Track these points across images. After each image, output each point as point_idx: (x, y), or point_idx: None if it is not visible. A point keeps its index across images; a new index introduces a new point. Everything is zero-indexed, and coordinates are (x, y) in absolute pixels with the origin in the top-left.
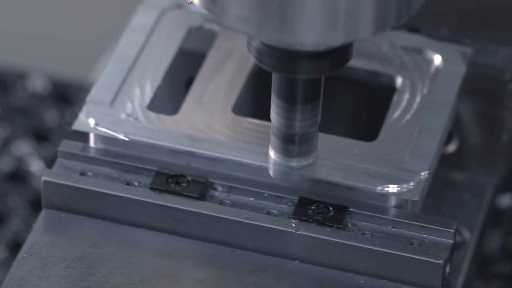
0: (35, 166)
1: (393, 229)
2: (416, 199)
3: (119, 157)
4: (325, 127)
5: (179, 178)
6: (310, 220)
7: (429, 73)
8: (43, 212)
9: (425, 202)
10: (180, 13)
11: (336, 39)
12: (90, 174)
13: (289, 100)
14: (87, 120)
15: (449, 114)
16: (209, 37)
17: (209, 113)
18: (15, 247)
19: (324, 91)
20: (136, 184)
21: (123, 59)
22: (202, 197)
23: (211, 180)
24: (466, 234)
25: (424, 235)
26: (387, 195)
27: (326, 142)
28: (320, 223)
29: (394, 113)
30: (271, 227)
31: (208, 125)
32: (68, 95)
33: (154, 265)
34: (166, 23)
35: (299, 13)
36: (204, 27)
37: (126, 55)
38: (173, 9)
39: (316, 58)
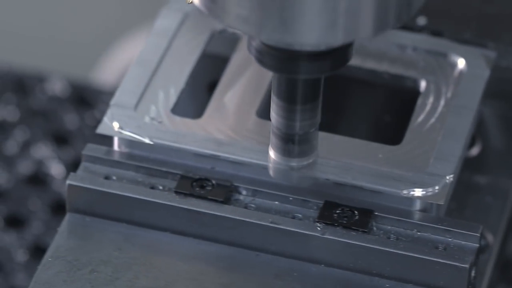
0: (55, 169)
1: (418, 233)
2: (442, 203)
3: (144, 161)
4: (350, 131)
5: (204, 182)
6: (336, 224)
7: (453, 77)
8: (68, 216)
9: (448, 205)
10: (203, 16)
11: (336, 39)
12: (114, 178)
13: (289, 100)
14: (112, 124)
15: (473, 117)
16: (232, 41)
17: (233, 116)
18: (36, 250)
19: (348, 95)
20: (160, 188)
21: (146, 63)
22: (226, 201)
23: (236, 184)
24: (490, 237)
25: (450, 239)
26: (412, 199)
27: (350, 146)
28: (345, 227)
29: (419, 117)
30: (296, 231)
31: (233, 128)
32: (87, 98)
33: (179, 269)
34: (189, 26)
35: (299, 13)
36: (227, 31)
37: (149, 58)
38: (196, 13)
39: (316, 58)
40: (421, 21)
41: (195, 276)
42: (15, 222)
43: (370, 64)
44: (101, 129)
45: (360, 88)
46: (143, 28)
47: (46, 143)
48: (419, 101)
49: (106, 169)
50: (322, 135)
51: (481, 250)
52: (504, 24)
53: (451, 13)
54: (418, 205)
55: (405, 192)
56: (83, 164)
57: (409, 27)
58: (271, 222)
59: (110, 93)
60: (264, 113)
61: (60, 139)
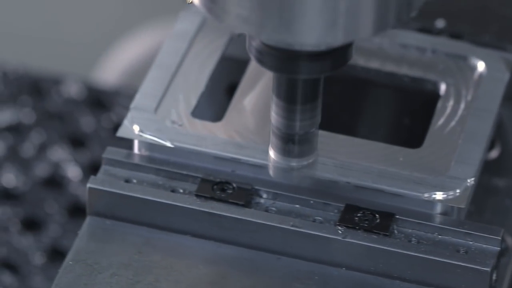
0: (72, 172)
1: (439, 236)
2: (463, 206)
3: (164, 164)
4: (369, 134)
5: (225, 185)
6: (357, 228)
7: (473, 80)
8: (88, 219)
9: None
10: None
11: (337, 39)
12: (134, 181)
13: (289, 100)
14: (132, 127)
15: (493, 120)
16: None
17: (254, 119)
18: (53, 253)
19: (368, 98)
20: (181, 191)
21: (165, 66)
22: (247, 204)
23: (256, 187)
24: (509, 240)
25: (471, 242)
26: (433, 202)
27: (371, 149)
28: (366, 230)
29: (439, 120)
30: (317, 234)
31: (253, 131)
32: (103, 101)
33: (200, 272)
34: (208, 29)
35: (299, 13)
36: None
37: (169, 61)
38: None
39: (317, 58)
40: (440, 23)
41: (216, 280)
42: (32, 225)
43: (389, 67)
44: (121, 133)
45: (379, 91)
46: (143, 28)
47: (63, 146)
48: (439, 104)
49: (127, 172)
50: (342, 138)
51: (501, 253)
52: None
53: (470, 15)
54: (439, 209)
55: (426, 195)
56: (103, 167)
57: (428, 29)
58: (292, 226)
59: (126, 96)
60: None
61: (77, 142)
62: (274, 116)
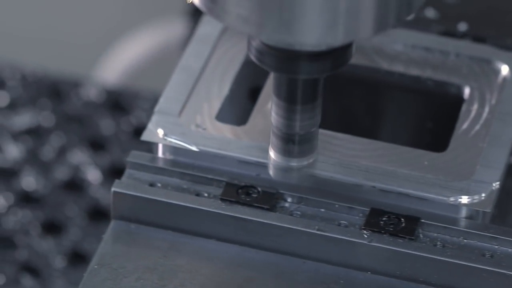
0: (92, 175)
1: (465, 241)
2: (488, 210)
3: (189, 167)
4: (394, 138)
5: (250, 189)
6: (382, 232)
7: (497, 83)
8: (113, 223)
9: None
10: None
11: (337, 39)
12: (159, 185)
13: (289, 100)
14: (156, 131)
15: None
16: None
17: None
18: (74, 256)
19: (392, 101)
20: (205, 195)
21: (189, 70)
22: (272, 208)
23: (281, 191)
24: None
25: (496, 246)
26: (458, 206)
27: (396, 153)
28: (392, 234)
29: (463, 124)
30: (343, 238)
31: None
32: (123, 103)
33: (225, 276)
34: (231, 33)
35: (299, 13)
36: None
37: (192, 65)
38: None
39: (317, 58)
40: (462, 27)
41: (241, 284)
42: (52, 228)
43: (413, 71)
44: (145, 136)
45: (403, 95)
46: (143, 28)
47: (82, 149)
48: (464, 108)
49: (151, 176)
50: (366, 141)
51: None
52: None
53: (493, 19)
54: (464, 213)
55: (452, 199)
56: (128, 171)
57: (451, 33)
58: (318, 230)
59: (146, 98)
60: None
61: (96, 145)
62: (274, 116)
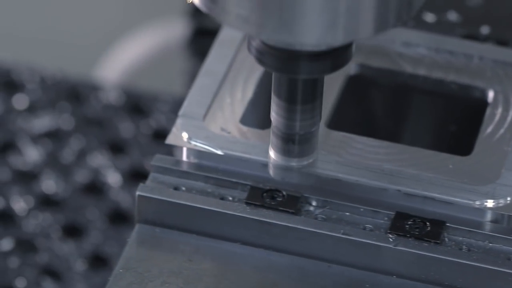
0: (112, 178)
1: (490, 244)
2: None
3: (213, 171)
4: (417, 141)
5: (274, 192)
6: (408, 235)
7: None
8: (137, 227)
9: None
10: None
11: (337, 39)
12: (183, 188)
13: (289, 100)
14: (181, 134)
15: None
16: None
17: None
18: (95, 260)
19: (416, 105)
20: (230, 198)
21: (213, 73)
22: (297, 211)
23: (306, 195)
24: None
25: None
26: (483, 210)
27: (420, 156)
28: (417, 238)
29: (488, 127)
30: (368, 242)
31: None
32: (142, 106)
33: (250, 280)
34: None
35: (299, 13)
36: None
37: (216, 69)
38: None
39: (317, 58)
40: (485, 30)
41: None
42: (73, 231)
43: (437, 74)
44: (170, 140)
45: (427, 98)
46: (143, 28)
47: (102, 152)
48: (488, 111)
49: (175, 180)
50: (391, 145)
51: None
52: None
53: None
54: (489, 216)
55: (477, 203)
56: (152, 175)
57: (473, 36)
58: (343, 233)
59: (165, 101)
60: (333, 123)
61: (116, 148)
62: (274, 116)
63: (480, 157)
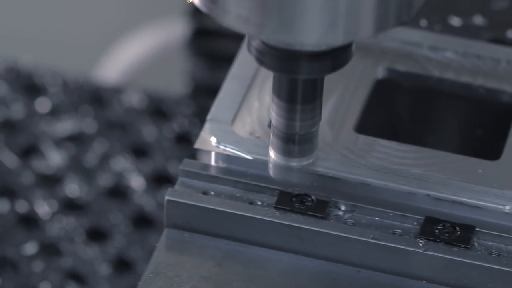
0: (135, 181)
1: None
2: None
3: (242, 176)
4: (445, 146)
5: (303, 197)
6: (437, 240)
7: None
8: (166, 232)
9: None
10: None
11: (337, 39)
12: (212, 193)
13: (289, 100)
14: (209, 139)
15: None
16: None
17: (331, 132)
18: (119, 263)
19: (443, 109)
20: (259, 203)
21: (240, 77)
22: (326, 216)
23: (335, 199)
24: None
25: None
26: None
27: (449, 161)
28: (447, 243)
29: None
30: (398, 247)
31: (330, 144)
32: (164, 110)
33: (280, 285)
34: None
35: (299, 13)
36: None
37: (244, 73)
38: None
39: (317, 58)
40: (511, 33)
41: None
42: (97, 235)
43: (464, 78)
44: (198, 144)
45: (454, 102)
46: (143, 28)
47: (125, 155)
48: None
49: (204, 184)
50: (419, 149)
51: None
52: None
53: None
54: None
55: (507, 208)
56: (180, 179)
57: (500, 40)
58: (373, 238)
59: (188, 105)
60: (361, 128)
61: (139, 151)
62: (275, 116)
63: (509, 161)
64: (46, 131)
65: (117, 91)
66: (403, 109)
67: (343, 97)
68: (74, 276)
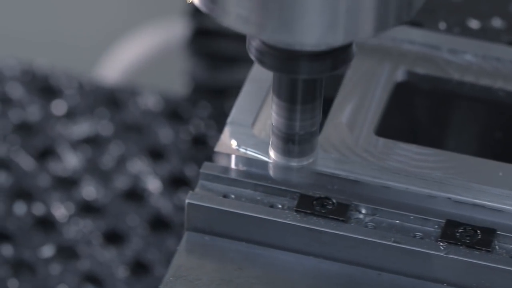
0: (152, 184)
1: None
2: None
3: (262, 179)
4: (466, 149)
5: (324, 200)
6: (458, 243)
7: None
8: (186, 235)
9: None
10: None
11: (337, 39)
12: (232, 196)
13: (289, 100)
14: (230, 142)
15: None
16: None
17: (351, 134)
18: (137, 266)
19: (463, 112)
20: (279, 206)
21: (260, 80)
22: (347, 219)
23: (355, 203)
24: None
25: None
26: None
27: (469, 163)
28: (468, 246)
29: None
30: (419, 250)
31: (350, 147)
32: (181, 112)
33: None
34: None
35: (299, 13)
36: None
37: (262, 76)
38: None
39: (317, 58)
40: None
41: None
42: (114, 238)
43: (484, 81)
44: (219, 148)
45: (474, 105)
46: (143, 28)
47: (141, 158)
48: None
49: (224, 188)
50: (439, 152)
51: None
52: None
53: None
54: None
55: None
56: (201, 182)
57: None
58: (394, 241)
59: (204, 107)
60: (381, 131)
61: (155, 154)
62: (274, 116)
63: None
64: (62, 133)
65: (133, 93)
66: (422, 112)
67: (363, 100)
68: (91, 278)
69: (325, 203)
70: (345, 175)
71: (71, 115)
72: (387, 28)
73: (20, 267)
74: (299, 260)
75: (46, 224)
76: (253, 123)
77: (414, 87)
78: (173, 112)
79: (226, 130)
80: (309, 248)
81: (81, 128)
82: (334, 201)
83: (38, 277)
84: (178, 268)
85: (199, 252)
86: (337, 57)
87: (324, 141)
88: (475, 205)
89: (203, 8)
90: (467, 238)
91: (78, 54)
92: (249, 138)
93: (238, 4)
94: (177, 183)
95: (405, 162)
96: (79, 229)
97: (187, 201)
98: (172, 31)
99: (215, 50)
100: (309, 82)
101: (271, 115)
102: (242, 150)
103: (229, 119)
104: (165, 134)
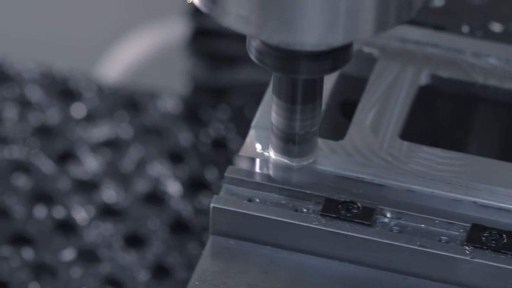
0: (172, 187)
1: None
2: None
3: (287, 183)
4: (489, 153)
5: (350, 204)
6: (484, 248)
7: None
8: (211, 239)
9: None
10: None
11: (337, 39)
12: (257, 200)
13: (289, 100)
14: (254, 146)
15: None
16: (368, 61)
17: (376, 138)
18: (158, 270)
19: (485, 115)
20: (304, 210)
21: None
22: (372, 223)
23: (381, 207)
24: None
25: None
26: None
27: (495, 167)
28: (494, 250)
29: None
30: (445, 255)
31: (375, 151)
32: (200, 115)
33: None
34: None
35: (299, 13)
36: (363, 51)
37: None
38: None
39: (317, 58)
40: None
41: None
42: (135, 241)
43: (508, 85)
44: (243, 151)
45: (498, 109)
46: (144, 28)
47: (161, 161)
48: None
49: (249, 191)
50: (464, 156)
51: None
52: None
53: None
54: None
55: None
56: (225, 186)
57: None
58: (419, 246)
59: (223, 110)
60: (405, 134)
61: (175, 157)
62: (274, 116)
63: None
64: (82, 136)
65: (152, 96)
66: (446, 115)
67: (387, 103)
68: (112, 282)
69: (350, 207)
70: (370, 179)
71: (90, 118)
72: (387, 28)
73: (41, 270)
74: (324, 264)
75: (67, 227)
76: None
77: (438, 91)
78: (193, 115)
79: (251, 134)
80: (334, 252)
81: (101, 131)
82: (359, 205)
83: (59, 281)
84: (203, 272)
85: (224, 256)
86: (337, 57)
87: (349, 145)
88: (500, 209)
89: (203, 8)
90: (493, 242)
91: (78, 54)
92: None
93: (238, 4)
94: (197, 186)
95: (429, 166)
96: (99, 232)
97: (212, 205)
98: (172, 31)
99: (215, 50)
100: (309, 82)
101: (271, 115)
102: (266, 153)
103: (253, 123)
104: (184, 137)
